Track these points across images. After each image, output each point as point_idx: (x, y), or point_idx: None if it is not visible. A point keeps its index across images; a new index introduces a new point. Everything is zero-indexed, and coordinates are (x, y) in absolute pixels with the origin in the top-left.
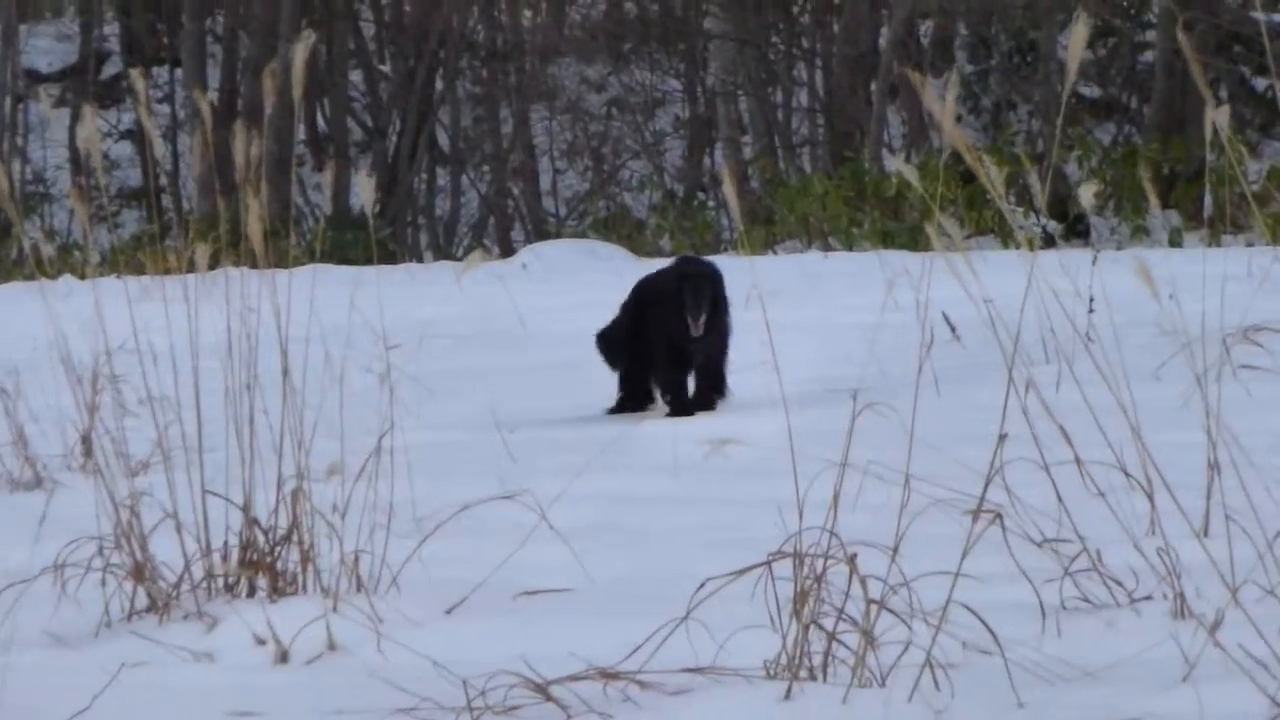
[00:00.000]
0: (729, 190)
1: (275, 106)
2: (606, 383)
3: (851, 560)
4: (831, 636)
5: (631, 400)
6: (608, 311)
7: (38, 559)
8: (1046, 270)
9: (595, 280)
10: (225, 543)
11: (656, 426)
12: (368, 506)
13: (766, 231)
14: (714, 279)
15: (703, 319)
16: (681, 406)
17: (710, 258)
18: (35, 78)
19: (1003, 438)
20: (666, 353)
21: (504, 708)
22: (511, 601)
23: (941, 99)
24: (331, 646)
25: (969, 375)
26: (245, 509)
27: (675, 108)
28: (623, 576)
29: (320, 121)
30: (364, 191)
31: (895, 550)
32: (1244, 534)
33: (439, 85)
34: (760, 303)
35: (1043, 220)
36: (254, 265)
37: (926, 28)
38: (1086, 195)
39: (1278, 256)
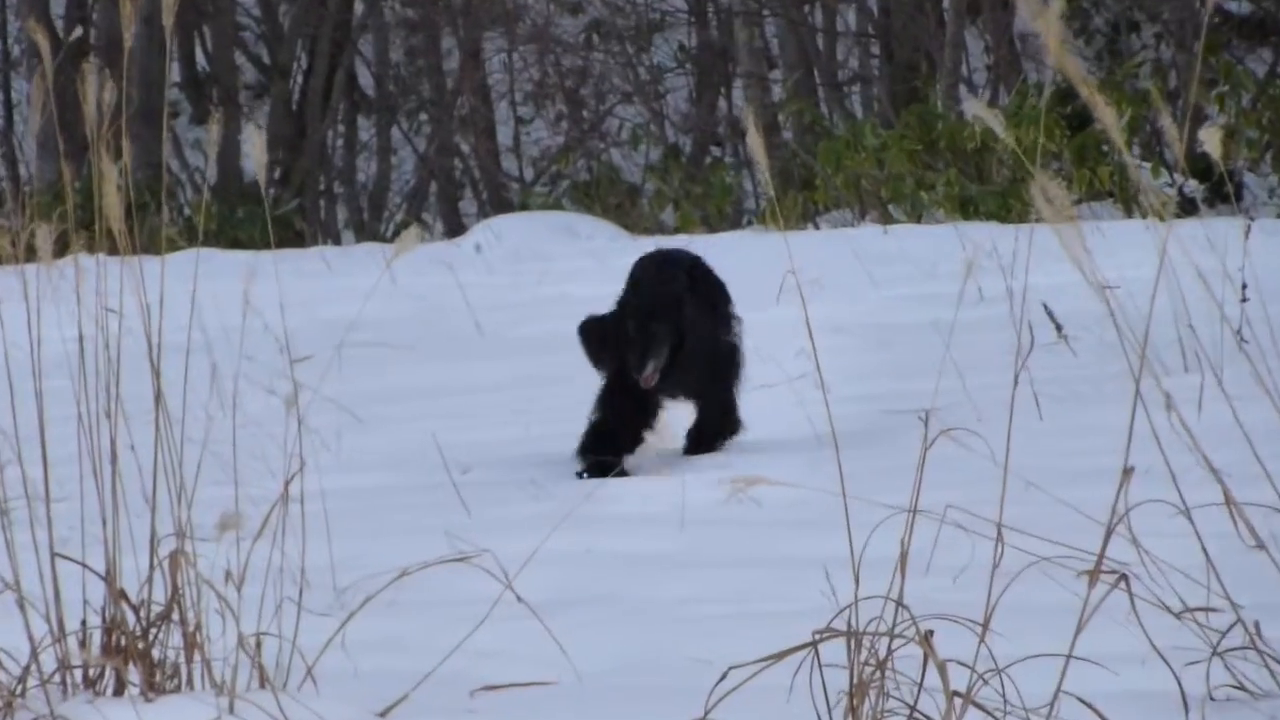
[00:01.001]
0: (754, 143)
1: (139, 39)
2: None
3: (926, 639)
4: None
5: (605, 438)
6: (589, 309)
7: None
8: (1185, 245)
9: (573, 268)
10: (84, 623)
11: (656, 463)
12: (272, 574)
13: (805, 199)
14: (675, 305)
15: (652, 368)
16: (593, 452)
17: (732, 235)
18: None
19: (1128, 473)
20: (609, 383)
21: None
22: (468, 700)
23: (1042, 16)
24: None
25: (1081, 390)
26: (109, 578)
27: (679, 34)
28: (617, 665)
29: (200, 58)
30: (259, 151)
31: (985, 625)
32: None
33: (358, 7)
34: (799, 295)
35: (1179, 179)
36: (114, 250)
37: None
38: (1213, 140)
39: None
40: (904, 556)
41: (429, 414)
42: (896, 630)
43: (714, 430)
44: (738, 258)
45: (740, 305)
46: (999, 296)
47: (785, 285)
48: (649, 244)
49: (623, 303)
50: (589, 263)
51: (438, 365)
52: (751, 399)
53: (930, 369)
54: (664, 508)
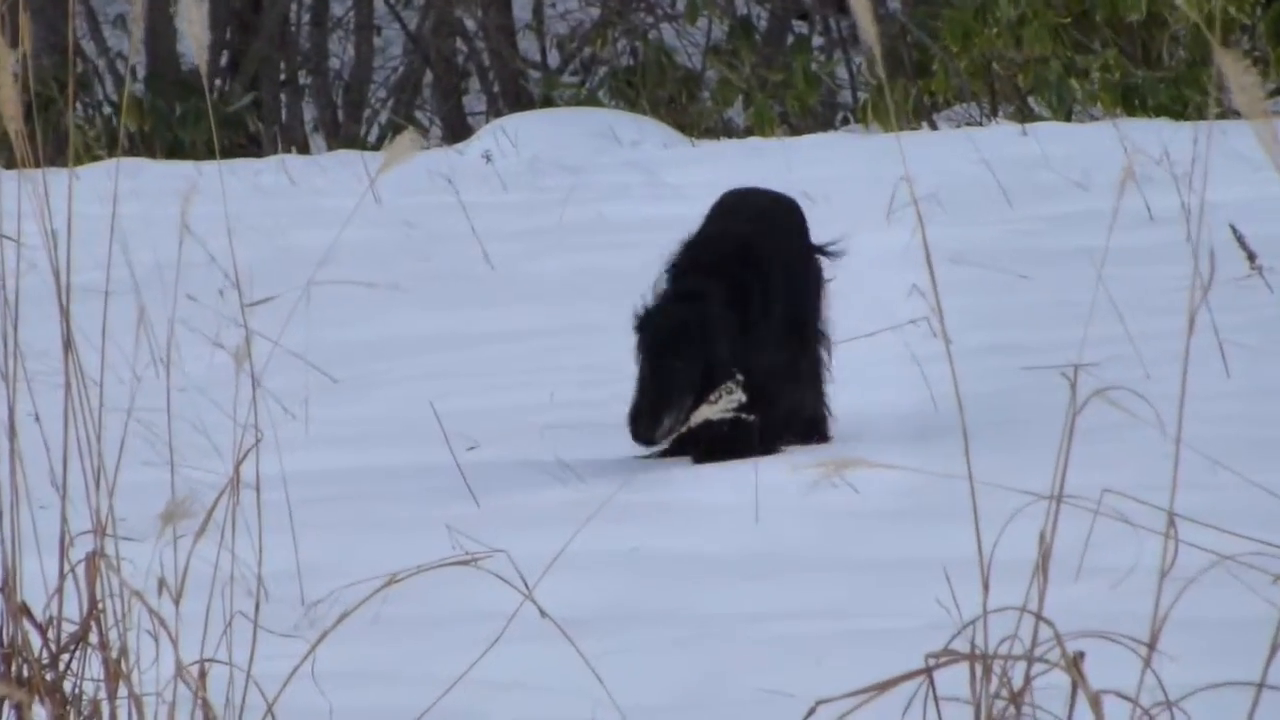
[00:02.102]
0: (859, 9)
1: None
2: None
3: (1075, 664)
4: None
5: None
6: (637, 242)
7: None
8: None
9: (612, 183)
10: None
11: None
12: (220, 582)
13: (918, 89)
14: (706, 324)
15: (666, 425)
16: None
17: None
18: None
19: None
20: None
21: None
22: None
23: None
24: None
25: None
26: (6, 589)
27: None
28: (672, 700)
29: None
30: (199, 29)
31: (1151, 645)
32: None
33: None
34: (916, 215)
35: None
36: (11, 163)
37: None
38: None
39: None
40: (1046, 556)
41: (424, 374)
42: (1036, 653)
43: (803, 430)
44: (830, 168)
45: (832, 230)
46: (1171, 216)
47: (894, 203)
48: (709, 151)
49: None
50: (633, 176)
51: (435, 311)
52: (848, 353)
53: (1081, 311)
54: (732, 496)
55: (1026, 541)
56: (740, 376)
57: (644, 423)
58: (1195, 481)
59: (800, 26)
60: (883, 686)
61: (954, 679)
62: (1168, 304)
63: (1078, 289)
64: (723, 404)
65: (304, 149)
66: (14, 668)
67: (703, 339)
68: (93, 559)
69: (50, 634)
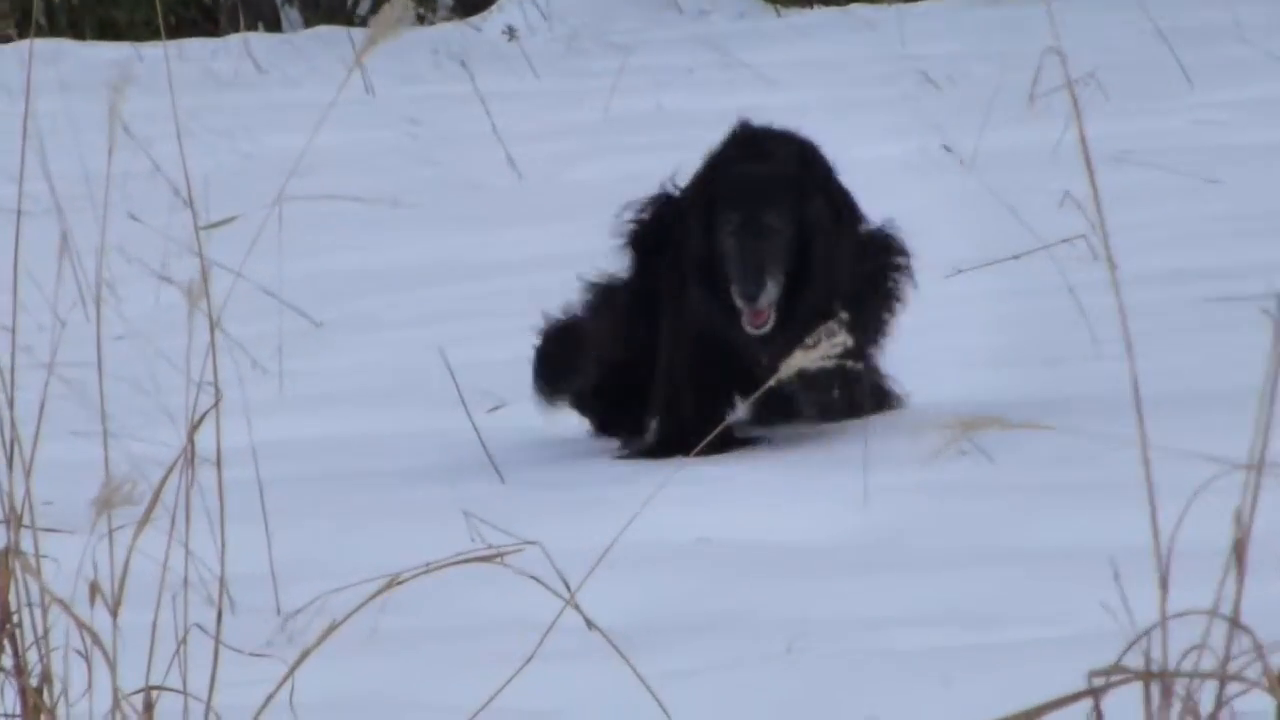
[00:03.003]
0: None
1: None
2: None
3: None
4: None
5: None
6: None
7: None
8: None
9: (673, 64)
10: None
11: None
12: (172, 587)
13: None
14: (798, 184)
15: (767, 297)
16: (679, 444)
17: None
18: None
19: None
20: (688, 352)
21: None
22: None
23: None
24: None
25: None
26: None
27: None
28: None
29: None
30: None
31: None
32: None
33: None
34: (1070, 101)
35: None
36: None
37: None
38: None
39: None
40: (1242, 545)
41: (432, 314)
42: (1231, 668)
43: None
44: (955, 42)
45: (964, 118)
46: None
47: (1039, 86)
48: (798, 24)
49: (691, 196)
50: (700, 55)
51: (446, 233)
52: (987, 280)
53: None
54: (831, 469)
55: (1217, 525)
56: (844, 313)
57: (749, 282)
58: None
59: None
60: (1035, 713)
61: (1125, 703)
62: None
63: (1272, 197)
64: (824, 348)
65: (274, 25)
66: None
67: (797, 197)
68: (4, 558)
69: None
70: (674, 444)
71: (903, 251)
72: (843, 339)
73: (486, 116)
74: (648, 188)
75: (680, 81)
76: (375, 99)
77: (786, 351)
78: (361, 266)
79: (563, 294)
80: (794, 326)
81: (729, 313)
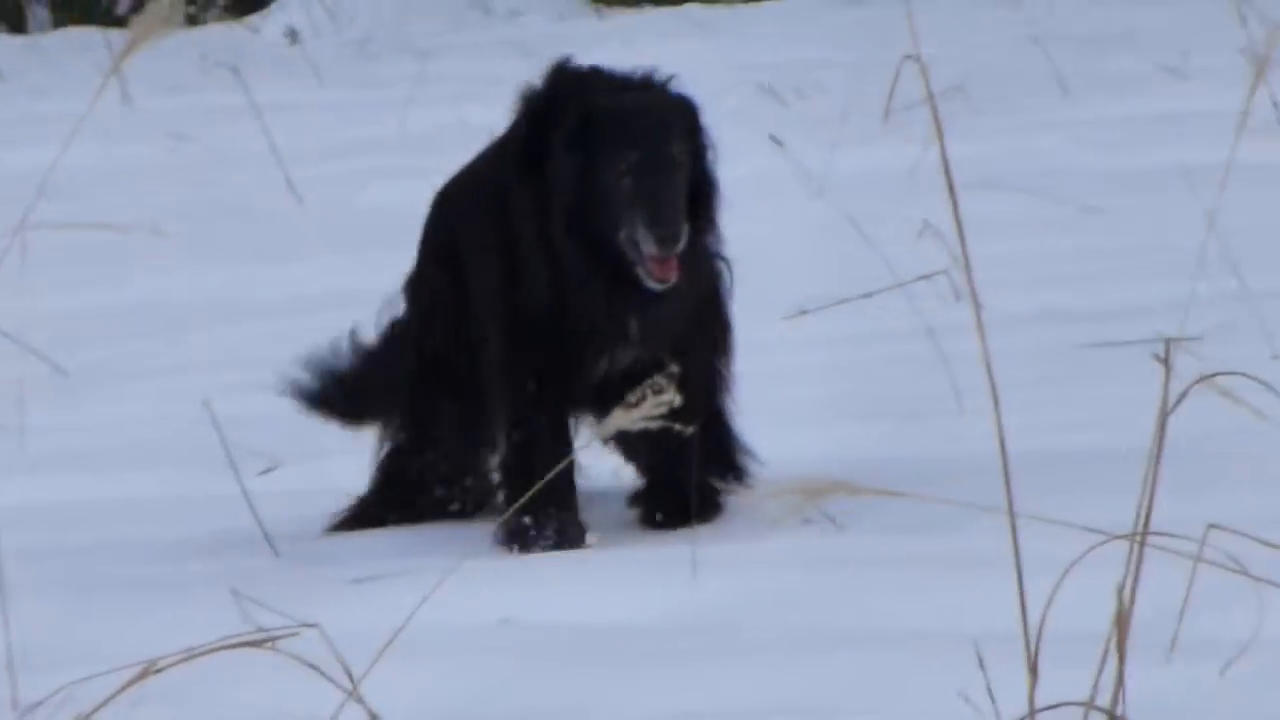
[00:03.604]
0: None
1: None
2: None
3: None
4: None
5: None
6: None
7: None
8: None
9: (479, 72)
10: None
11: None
12: None
13: None
14: (692, 112)
15: (684, 240)
16: (554, 506)
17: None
18: None
19: None
20: (506, 346)
21: None
22: None
23: None
24: None
25: None
26: None
27: None
28: None
29: None
30: None
31: None
32: None
33: None
34: (931, 117)
35: None
36: None
37: None
38: None
39: None
40: (1122, 626)
41: (197, 363)
42: None
43: (717, 472)
44: (803, 48)
45: (812, 135)
46: None
47: (895, 99)
48: (624, 25)
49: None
50: (511, 63)
51: (215, 266)
52: (833, 321)
53: (1177, 261)
54: (655, 540)
55: (1095, 604)
56: (674, 367)
57: (667, 223)
58: None
59: None
60: None
61: None
62: None
63: (1172, 227)
64: (649, 406)
65: (17, 25)
66: None
67: (694, 130)
68: None
69: None
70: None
71: (728, 280)
72: (670, 397)
73: (263, 132)
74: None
75: (488, 92)
76: (134, 110)
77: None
78: (116, 305)
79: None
80: (684, 284)
81: (612, 276)
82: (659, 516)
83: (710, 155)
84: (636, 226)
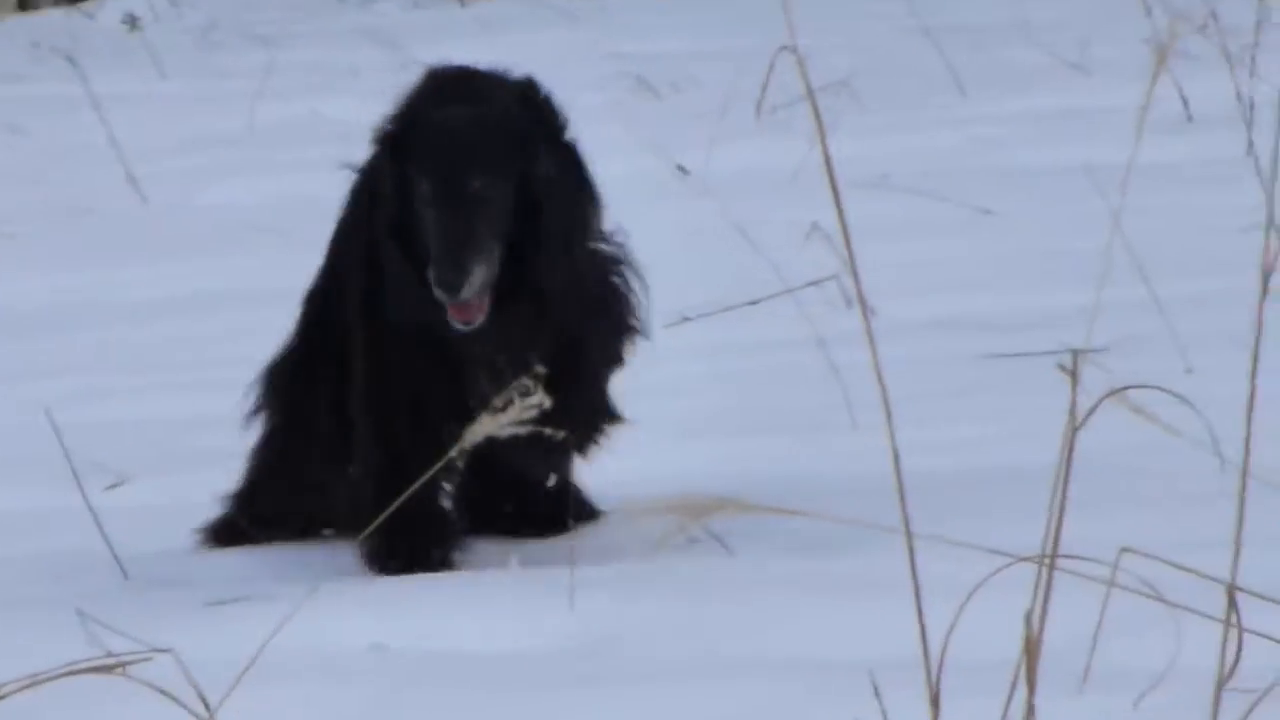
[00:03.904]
0: None
1: None
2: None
3: None
4: None
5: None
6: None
7: None
8: None
9: (330, 60)
10: None
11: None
12: None
13: None
14: (518, 133)
15: (471, 287)
16: (402, 534)
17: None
18: None
19: None
20: (368, 365)
21: None
22: None
23: None
24: None
25: None
26: None
27: None
28: None
29: None
30: None
31: None
32: None
33: None
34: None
35: None
36: None
37: None
38: None
39: None
40: (1031, 653)
41: (36, 369)
42: None
43: (577, 438)
44: (677, 39)
45: (689, 131)
46: (1222, 114)
47: (779, 91)
48: (486, 15)
49: (383, 159)
50: (367, 52)
51: (52, 269)
52: (717, 329)
53: (1080, 265)
54: (530, 564)
55: (1002, 630)
56: (540, 367)
57: (446, 269)
58: (1267, 534)
59: None
60: None
61: None
62: (1221, 254)
63: (1074, 230)
64: (515, 411)
65: None
66: None
67: (518, 150)
68: None
69: None
70: (388, 490)
71: (637, 271)
72: (538, 399)
73: (101, 125)
74: (303, 214)
75: (342, 83)
76: None
77: (512, 347)
78: None
79: (196, 347)
80: (521, 315)
81: (433, 304)
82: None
83: (554, 166)
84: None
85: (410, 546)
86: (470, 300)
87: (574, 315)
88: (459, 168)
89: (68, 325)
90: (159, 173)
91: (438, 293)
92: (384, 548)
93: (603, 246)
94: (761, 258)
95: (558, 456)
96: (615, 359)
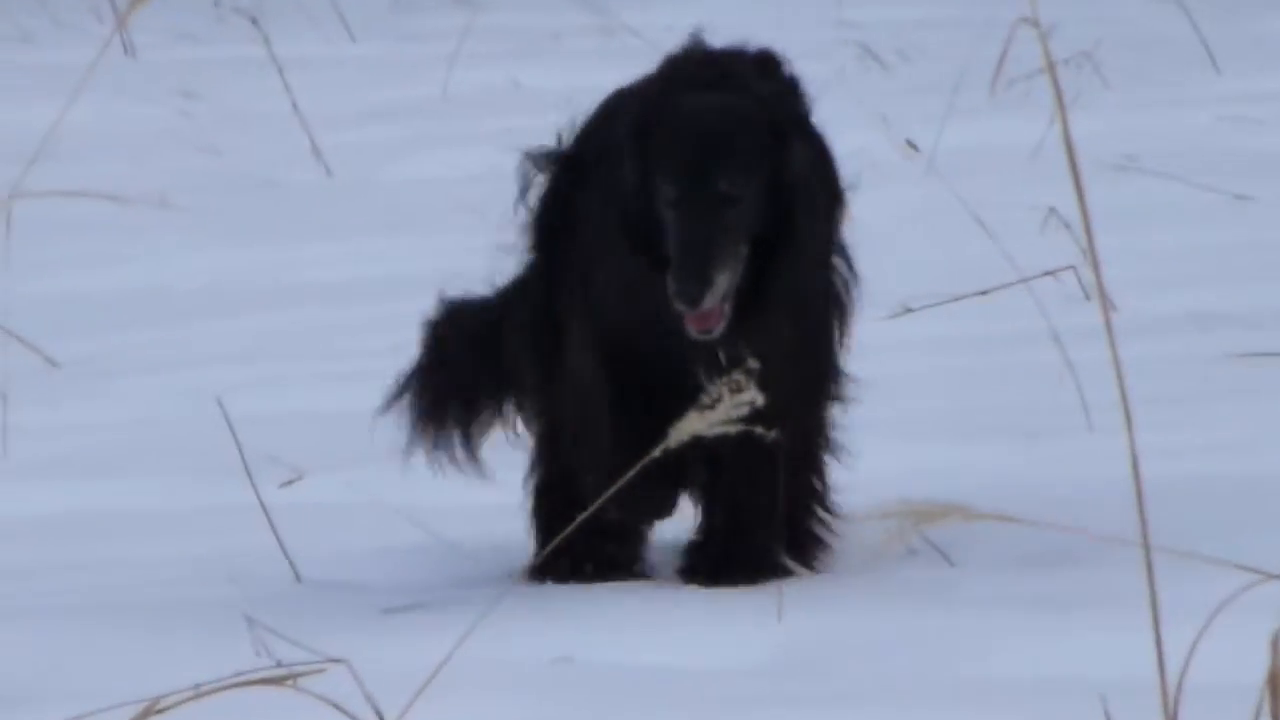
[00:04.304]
0: None
1: None
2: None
3: None
4: None
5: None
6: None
7: None
8: None
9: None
10: None
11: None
12: None
13: None
14: (763, 152)
15: (714, 297)
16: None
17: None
18: None
19: None
20: (597, 379)
21: None
22: None
23: None
24: None
25: None
26: None
27: None
28: None
29: None
30: None
31: None
32: None
33: None
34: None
35: None
36: None
37: None
38: None
39: None
40: (1276, 678)
41: (208, 355)
42: None
43: (805, 490)
44: (908, 6)
45: (918, 106)
46: None
47: (1006, 66)
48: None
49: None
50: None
51: (228, 245)
52: (944, 321)
53: None
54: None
55: (1245, 654)
56: (753, 362)
57: (686, 278)
58: None
59: None
60: None
61: None
62: None
63: None
64: (726, 408)
65: None
66: None
67: (771, 142)
68: None
69: None
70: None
71: (854, 271)
72: (750, 395)
73: (286, 92)
74: (503, 190)
75: (544, 49)
76: (137, 63)
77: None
78: (114, 287)
79: (381, 333)
80: (764, 322)
81: (668, 308)
82: (697, 573)
83: (805, 156)
84: (668, 273)
85: (602, 555)
86: (708, 309)
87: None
88: (706, 167)
89: (240, 307)
90: (345, 144)
91: (676, 304)
92: (574, 555)
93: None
94: (994, 245)
95: (771, 469)
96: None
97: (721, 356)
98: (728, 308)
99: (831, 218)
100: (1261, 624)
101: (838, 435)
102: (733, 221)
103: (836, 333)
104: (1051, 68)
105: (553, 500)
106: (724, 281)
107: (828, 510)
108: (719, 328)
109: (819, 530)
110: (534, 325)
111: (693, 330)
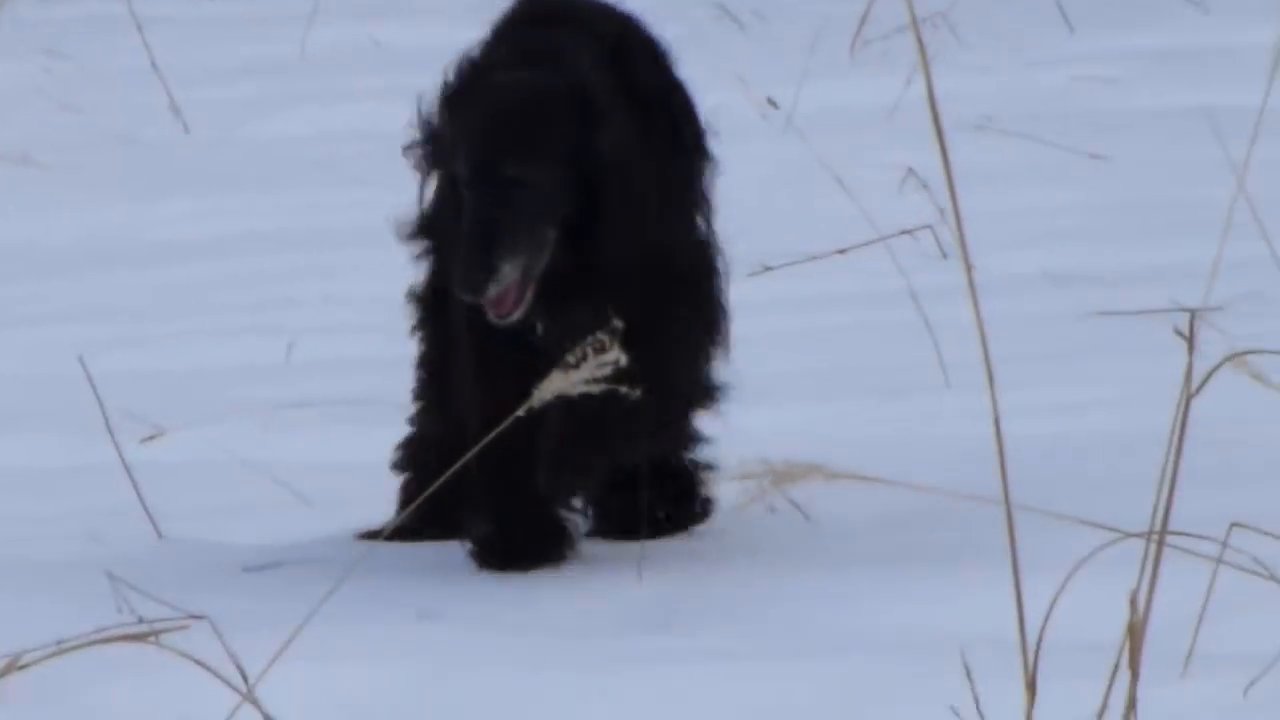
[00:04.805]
0: None
1: None
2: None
3: None
4: None
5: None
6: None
7: None
8: None
9: None
10: None
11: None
12: None
13: None
14: (571, 123)
15: (505, 277)
16: (497, 523)
17: None
18: None
19: None
20: (468, 356)
21: None
22: None
23: None
24: None
25: None
26: None
27: None
28: None
29: None
30: None
31: None
32: None
33: None
34: (916, 47)
35: None
36: None
37: None
38: None
39: None
40: (1135, 633)
41: (69, 312)
42: None
43: (658, 432)
44: None
45: (776, 65)
46: None
47: (867, 26)
48: None
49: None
50: None
51: (90, 203)
52: (802, 280)
53: (1196, 218)
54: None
55: (1104, 610)
56: (617, 321)
57: (463, 272)
58: None
59: None
60: None
61: None
62: None
63: (1191, 179)
64: (589, 367)
65: None
66: None
67: (578, 123)
68: None
69: None
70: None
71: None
72: (614, 355)
73: (144, 48)
74: (359, 149)
75: (402, 7)
76: (3, 20)
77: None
78: None
79: (240, 290)
80: (582, 299)
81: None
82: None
83: (621, 136)
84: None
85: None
86: (503, 295)
87: (646, 296)
88: (496, 150)
89: (101, 264)
90: (203, 100)
91: (457, 291)
92: (498, 544)
93: (696, 214)
94: (852, 203)
95: (639, 428)
96: (704, 331)
97: (539, 329)
98: (529, 292)
99: (666, 190)
100: (1119, 581)
101: (712, 388)
102: (526, 205)
103: (702, 294)
104: (915, 25)
105: (422, 460)
106: (513, 268)
107: (699, 464)
108: (517, 312)
109: (697, 484)
110: (430, 295)
111: (490, 315)
